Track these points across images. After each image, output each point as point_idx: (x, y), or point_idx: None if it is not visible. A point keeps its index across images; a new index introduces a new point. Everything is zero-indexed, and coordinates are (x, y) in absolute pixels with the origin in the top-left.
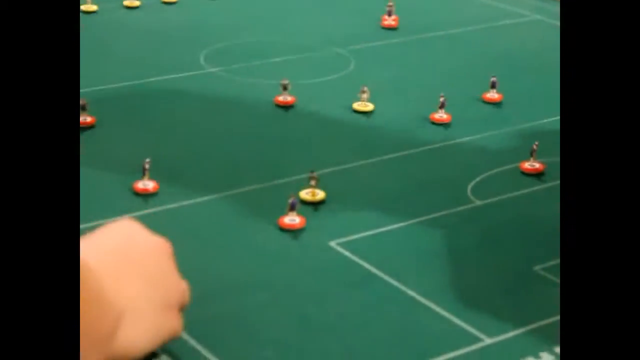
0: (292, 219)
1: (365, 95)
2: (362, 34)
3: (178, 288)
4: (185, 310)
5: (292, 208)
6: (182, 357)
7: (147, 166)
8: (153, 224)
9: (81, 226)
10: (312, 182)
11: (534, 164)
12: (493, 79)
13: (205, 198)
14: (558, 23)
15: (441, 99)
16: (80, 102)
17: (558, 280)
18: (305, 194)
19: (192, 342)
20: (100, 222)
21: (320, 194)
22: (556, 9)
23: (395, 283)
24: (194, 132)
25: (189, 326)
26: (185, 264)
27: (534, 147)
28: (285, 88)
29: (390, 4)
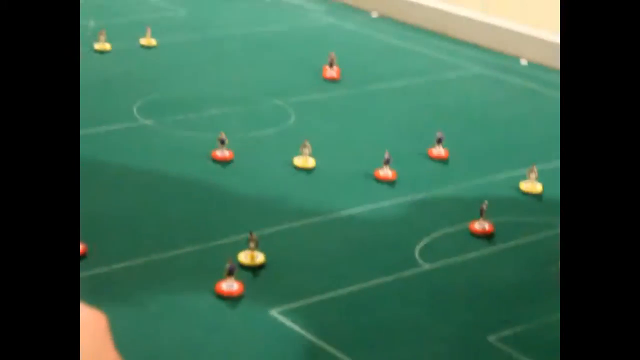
0: (229, 285)
1: (306, 150)
2: (302, 85)
3: None
4: None
5: (230, 273)
6: None
7: None
8: (82, 289)
9: None
10: (251, 244)
11: (484, 224)
12: (439, 134)
13: (138, 261)
14: (500, 76)
15: (386, 156)
16: None
17: (514, 353)
18: (244, 257)
19: None
20: None
21: (259, 257)
22: (496, 60)
23: (340, 355)
24: (126, 188)
25: None
26: (116, 333)
27: (483, 207)
28: (222, 142)
29: (332, 54)
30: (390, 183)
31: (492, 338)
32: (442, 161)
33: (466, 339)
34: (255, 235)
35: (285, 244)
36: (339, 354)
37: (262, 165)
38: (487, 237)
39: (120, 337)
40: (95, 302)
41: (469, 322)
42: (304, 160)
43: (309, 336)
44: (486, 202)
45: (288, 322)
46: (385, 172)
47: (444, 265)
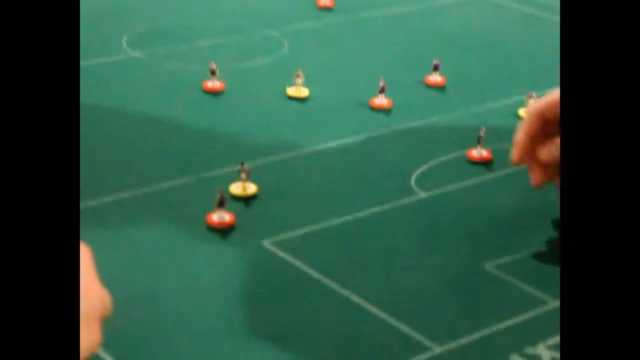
0: (220, 216)
1: (299, 80)
2: (295, 13)
3: (99, 298)
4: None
5: (221, 204)
6: None
7: None
8: None
9: None
10: (243, 175)
11: (482, 151)
12: (435, 61)
13: (127, 194)
14: (498, 0)
15: (381, 83)
16: None
17: (511, 280)
18: (235, 188)
19: (103, 355)
20: None
21: (251, 188)
22: None
23: (334, 286)
24: (115, 121)
25: (104, 337)
26: (104, 268)
27: (481, 134)
28: (213, 73)
29: None
30: (386, 111)
31: (488, 265)
32: (439, 88)
33: (462, 267)
34: (246, 166)
35: (277, 175)
36: (331, 284)
37: (255, 96)
38: (485, 164)
39: (108, 272)
40: (83, 236)
41: (466, 249)
42: (297, 90)
43: (302, 266)
44: (484, 128)
45: (280, 253)
46: (381, 101)
47: (441, 193)
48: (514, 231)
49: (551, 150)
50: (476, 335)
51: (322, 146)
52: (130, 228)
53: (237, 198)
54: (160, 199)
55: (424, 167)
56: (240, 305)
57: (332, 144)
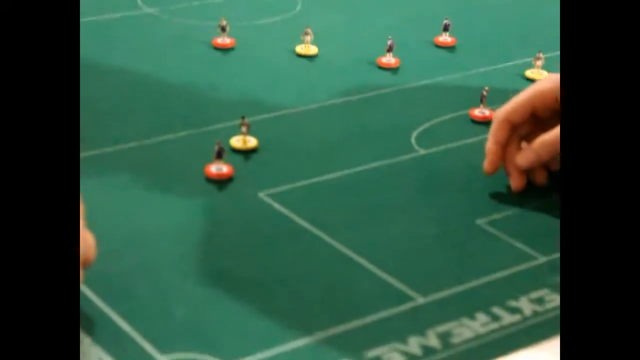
0: (219, 168)
1: (308, 38)
2: None
3: (83, 243)
4: (89, 266)
5: (219, 156)
6: (86, 316)
7: None
8: None
9: None
10: (243, 129)
11: (484, 110)
12: (446, 21)
13: (130, 145)
14: None
15: (389, 42)
16: None
17: (501, 235)
18: (235, 142)
19: (96, 300)
20: None
21: (252, 142)
22: None
23: (325, 237)
24: (122, 74)
25: (95, 282)
26: (100, 214)
27: (484, 93)
28: (223, 29)
29: None
30: (393, 70)
31: (480, 221)
32: (449, 49)
33: (454, 221)
34: (247, 119)
35: (279, 130)
36: (321, 234)
37: (264, 53)
38: (487, 123)
39: (103, 218)
40: (84, 183)
41: (460, 205)
42: (306, 48)
43: (295, 218)
44: (487, 88)
45: (275, 204)
46: (388, 59)
47: (440, 150)
48: (510, 190)
49: (528, 156)
50: (460, 288)
51: (326, 103)
52: (129, 177)
53: (237, 151)
54: (162, 150)
55: (425, 125)
56: (231, 252)
57: (337, 101)
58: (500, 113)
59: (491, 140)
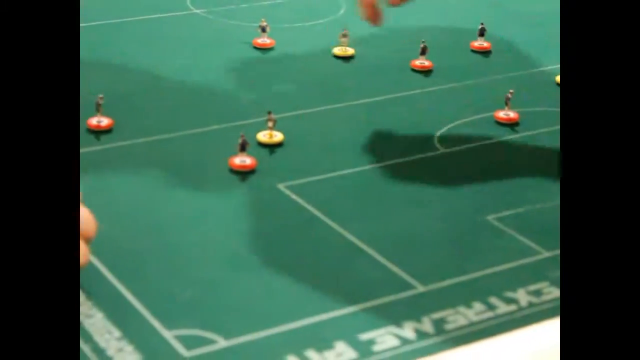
0: (242, 160)
1: (345, 40)
2: None
3: (80, 218)
4: (91, 240)
5: (243, 148)
6: (99, 292)
7: (100, 102)
8: (105, 161)
9: None
10: (270, 124)
11: (508, 113)
12: (482, 26)
13: (160, 137)
14: None
15: (422, 45)
16: None
17: (509, 231)
18: (262, 136)
19: (111, 278)
20: None
21: (277, 136)
22: None
23: (337, 228)
24: (164, 70)
25: (109, 263)
26: (123, 199)
27: (509, 95)
28: (263, 30)
29: None
30: (426, 73)
31: (490, 217)
32: (483, 53)
33: (464, 217)
34: (273, 115)
35: (306, 126)
36: (333, 225)
37: (301, 54)
38: (511, 125)
39: (126, 205)
40: (114, 171)
41: (472, 202)
42: (343, 50)
43: (310, 208)
44: (511, 90)
45: (293, 196)
46: (422, 62)
47: (460, 150)
48: (524, 189)
49: None
50: (461, 278)
51: (355, 102)
52: (156, 166)
53: (263, 145)
54: (191, 142)
55: (449, 126)
56: (245, 239)
57: (366, 100)
58: None
59: None
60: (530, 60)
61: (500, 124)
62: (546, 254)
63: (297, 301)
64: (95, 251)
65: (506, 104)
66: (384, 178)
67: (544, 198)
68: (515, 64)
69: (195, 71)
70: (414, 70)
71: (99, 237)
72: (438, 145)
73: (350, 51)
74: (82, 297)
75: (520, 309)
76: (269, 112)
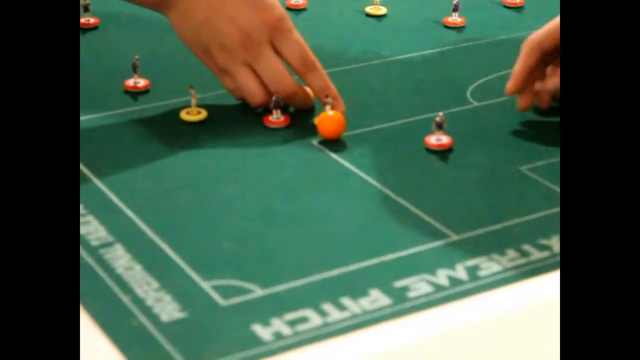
0: (276, 117)
1: None
2: None
3: None
4: None
5: (276, 106)
6: (137, 245)
7: (137, 63)
8: (142, 120)
9: None
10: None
11: None
12: None
13: (202, 95)
14: None
15: (454, 2)
16: (83, 1)
17: (542, 181)
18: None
19: (150, 234)
20: (91, 116)
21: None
22: None
23: (370, 180)
24: None
25: (148, 217)
26: (164, 157)
27: None
28: None
29: None
30: (458, 29)
31: (523, 167)
32: (516, 9)
33: (497, 167)
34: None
35: (342, 83)
36: (367, 177)
37: (334, 13)
38: None
39: (165, 162)
40: (151, 130)
41: (505, 153)
42: (375, 8)
43: (344, 162)
44: None
45: (327, 150)
46: (454, 19)
47: (493, 103)
48: (556, 140)
49: (557, 82)
50: (494, 227)
51: (389, 59)
52: (194, 124)
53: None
54: (227, 99)
55: (482, 80)
56: (279, 192)
57: (399, 57)
58: (533, 39)
59: (520, 64)
60: None
61: None
62: None
63: (332, 251)
64: (133, 207)
65: None
66: (417, 131)
67: None
68: (547, 19)
69: None
70: (446, 27)
71: (138, 192)
72: (470, 99)
73: (382, 10)
74: (122, 250)
75: (554, 255)
76: None
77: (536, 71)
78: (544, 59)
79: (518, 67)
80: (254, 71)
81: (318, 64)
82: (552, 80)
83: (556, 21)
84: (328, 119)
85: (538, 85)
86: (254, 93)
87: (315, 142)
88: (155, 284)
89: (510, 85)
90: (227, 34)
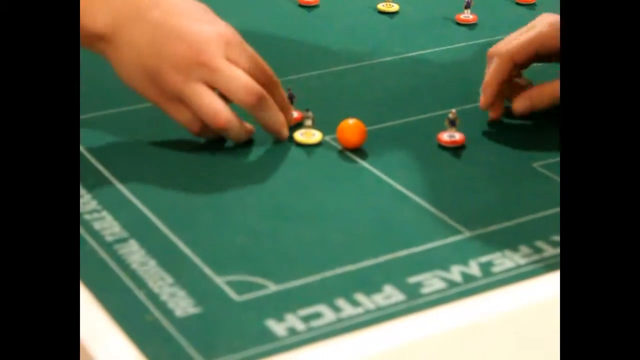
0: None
1: None
2: None
3: None
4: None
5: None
6: (152, 241)
7: None
8: (155, 116)
9: None
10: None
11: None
12: None
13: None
14: None
15: None
16: None
17: (556, 177)
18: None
19: (163, 228)
20: (106, 112)
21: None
22: None
23: (383, 177)
24: None
25: (162, 213)
26: (177, 152)
27: None
28: None
29: None
30: (470, 26)
31: (536, 164)
32: (529, 6)
33: (511, 164)
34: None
35: (353, 80)
36: (380, 174)
37: (347, 10)
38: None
39: (177, 157)
40: (161, 127)
41: (519, 150)
42: (387, 5)
43: (357, 159)
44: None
45: (335, 143)
46: (466, 16)
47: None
48: None
49: (525, 104)
50: (507, 223)
51: (401, 56)
52: None
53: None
54: None
55: None
56: (292, 188)
57: (411, 54)
58: (505, 51)
59: (493, 79)
60: None
61: None
62: None
63: (345, 247)
64: (147, 202)
65: None
66: (428, 128)
67: None
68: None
69: (243, 28)
70: (458, 24)
71: (152, 189)
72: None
73: (394, 7)
74: (136, 246)
75: None
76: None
77: (506, 83)
78: (514, 69)
79: (490, 80)
80: (212, 88)
81: (275, 76)
82: (520, 103)
83: (525, 37)
84: (349, 128)
85: (535, 96)
86: (218, 110)
87: (327, 138)
88: (169, 279)
89: (483, 100)
90: (178, 52)
